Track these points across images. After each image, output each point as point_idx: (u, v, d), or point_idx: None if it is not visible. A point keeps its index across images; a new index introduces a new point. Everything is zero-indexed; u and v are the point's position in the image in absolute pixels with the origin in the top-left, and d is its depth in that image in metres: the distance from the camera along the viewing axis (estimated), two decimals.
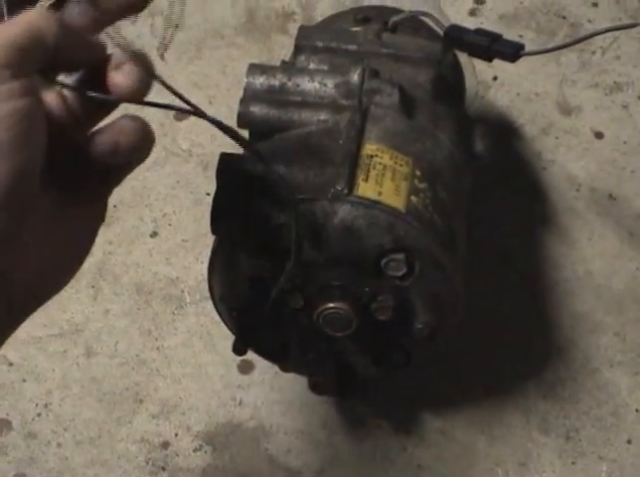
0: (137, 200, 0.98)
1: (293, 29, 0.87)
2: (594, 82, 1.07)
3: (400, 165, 0.70)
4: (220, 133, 1.00)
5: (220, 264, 0.71)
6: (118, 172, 0.58)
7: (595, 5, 1.12)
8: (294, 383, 0.84)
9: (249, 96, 0.74)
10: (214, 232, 0.70)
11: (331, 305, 0.68)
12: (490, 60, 0.77)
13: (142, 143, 0.56)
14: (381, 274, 0.68)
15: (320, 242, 0.67)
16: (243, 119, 0.74)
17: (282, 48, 1.04)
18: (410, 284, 0.69)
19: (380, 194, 0.67)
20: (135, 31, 1.09)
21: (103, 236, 0.92)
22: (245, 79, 0.75)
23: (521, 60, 0.76)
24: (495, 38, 0.76)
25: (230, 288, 0.73)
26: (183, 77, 1.06)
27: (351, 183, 0.67)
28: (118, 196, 0.97)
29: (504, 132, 1.02)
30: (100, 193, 0.58)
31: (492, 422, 0.85)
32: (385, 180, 0.68)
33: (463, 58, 0.89)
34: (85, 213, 0.57)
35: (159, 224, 0.96)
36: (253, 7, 1.11)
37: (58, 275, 0.57)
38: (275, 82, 0.75)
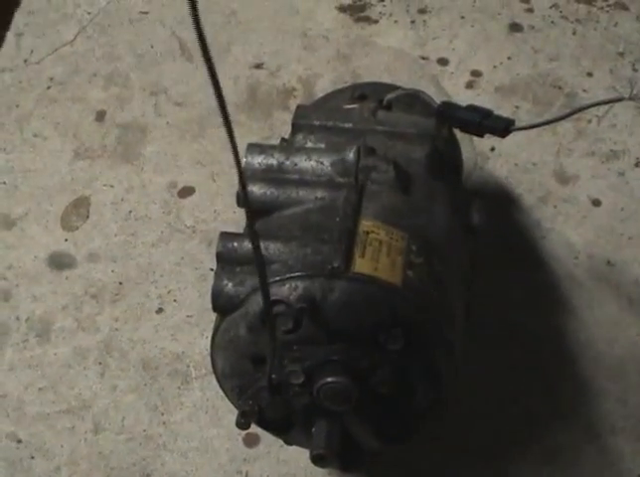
0: (143, 276, 0.99)
1: (294, 105, 0.89)
2: (591, 151, 1.09)
3: (396, 240, 0.71)
4: (222, 210, 1.02)
5: (221, 342, 0.73)
6: None
7: (590, 75, 1.14)
8: (299, 454, 0.85)
9: (248, 176, 0.76)
10: (215, 309, 0.71)
11: (330, 380, 0.69)
12: (481, 135, 0.78)
13: None
14: (379, 348, 0.69)
15: (318, 319, 0.68)
16: (242, 198, 0.75)
17: (283, 124, 1.06)
18: (409, 358, 0.70)
19: (376, 269, 0.68)
20: (139, 110, 1.12)
21: (110, 312, 0.94)
22: (244, 159, 0.77)
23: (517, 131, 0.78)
24: (486, 114, 0.78)
25: (231, 365, 0.74)
26: (186, 154, 1.08)
27: (348, 259, 0.68)
28: (124, 273, 0.99)
29: (503, 202, 1.04)
30: None
31: None
32: (381, 255, 0.69)
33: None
34: None
35: (164, 300, 0.98)
36: (255, 84, 1.13)
37: None
38: (273, 162, 0.76)
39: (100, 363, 0.93)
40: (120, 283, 0.99)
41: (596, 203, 1.04)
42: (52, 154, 1.10)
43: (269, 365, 0.69)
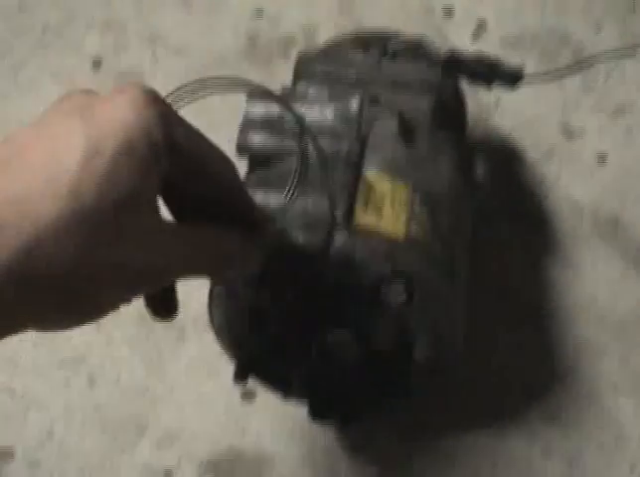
0: None
1: (295, 54, 0.87)
2: (598, 106, 1.06)
3: (400, 192, 0.70)
4: None
5: (219, 294, 0.71)
6: None
7: (599, 28, 1.12)
8: (297, 410, 0.84)
9: (248, 125, 0.74)
10: None
11: (330, 335, 0.68)
12: (489, 85, 0.77)
13: None
14: (381, 302, 0.68)
15: (319, 272, 0.67)
16: (242, 148, 0.74)
17: (284, 73, 1.04)
18: (410, 312, 0.69)
19: (378, 222, 0.67)
20: (137, 58, 1.10)
21: None
22: (245, 107, 0.75)
23: (523, 84, 0.76)
24: (494, 64, 0.76)
25: (229, 319, 0.72)
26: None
27: (349, 211, 0.67)
28: None
29: (506, 157, 1.02)
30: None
31: (495, 448, 0.84)
32: (384, 207, 0.68)
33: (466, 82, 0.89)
34: None
35: None
36: (255, 33, 1.11)
37: None
38: (274, 110, 0.75)
39: None
40: None
41: (603, 159, 1.02)
42: (47, 102, 1.08)
43: (269, 320, 0.68)
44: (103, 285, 0.47)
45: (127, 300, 0.51)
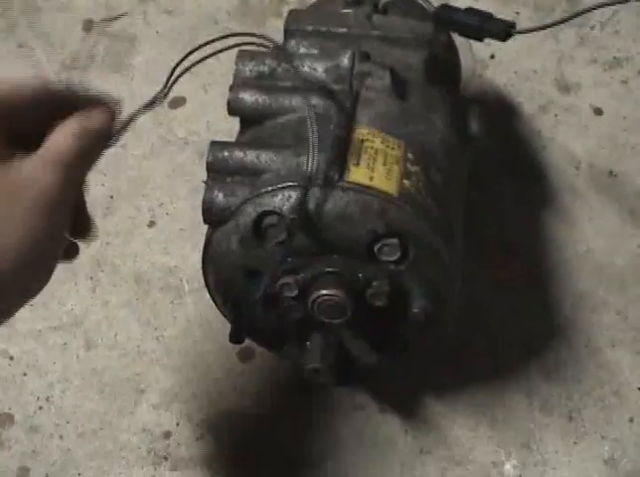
0: (134, 189, 0.97)
1: (287, 12, 0.86)
2: (593, 59, 1.06)
3: (392, 148, 0.69)
4: (214, 120, 1.00)
5: (213, 255, 0.71)
6: None
7: None
8: (294, 369, 0.84)
9: (239, 83, 0.74)
10: (206, 221, 0.70)
11: (325, 292, 0.68)
12: (481, 39, 0.76)
13: None
14: (375, 260, 0.68)
15: (312, 229, 0.66)
16: (233, 106, 0.73)
17: (277, 32, 1.03)
18: (405, 269, 0.68)
19: (371, 179, 0.66)
20: (128, 19, 1.09)
21: (101, 227, 0.92)
22: (235, 66, 0.75)
23: (518, 37, 0.75)
24: (486, 17, 0.75)
25: (224, 278, 0.72)
26: None
27: (342, 168, 0.66)
28: (115, 186, 0.97)
29: (502, 112, 1.01)
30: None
31: (494, 405, 0.84)
32: (376, 164, 0.67)
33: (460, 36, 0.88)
34: None
35: (156, 213, 0.96)
36: None
37: None
38: (265, 68, 0.74)
39: (92, 278, 0.92)
40: (111, 197, 0.97)
41: (598, 112, 1.01)
42: (39, 65, 1.07)
43: (264, 278, 0.68)
44: None
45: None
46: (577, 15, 0.75)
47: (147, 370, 0.87)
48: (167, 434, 0.84)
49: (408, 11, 0.82)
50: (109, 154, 0.98)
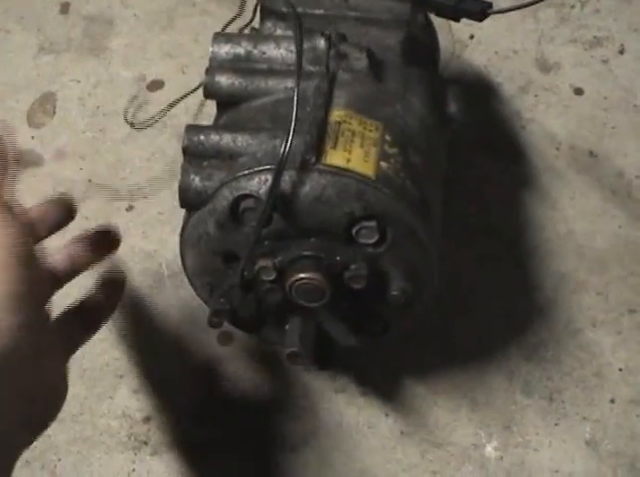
0: (112, 173, 0.97)
1: None
2: (573, 38, 1.05)
3: (370, 130, 0.68)
4: (193, 103, 1.00)
5: (190, 239, 0.71)
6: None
7: None
8: (275, 353, 0.84)
9: (215, 66, 0.73)
10: (183, 205, 0.69)
11: (303, 276, 0.67)
12: (458, 20, 0.75)
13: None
14: (353, 243, 0.67)
15: (290, 213, 0.66)
16: (210, 90, 0.73)
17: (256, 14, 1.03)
18: (384, 252, 0.68)
19: (348, 161, 0.66)
20: (105, 2, 1.08)
21: (79, 211, 0.92)
22: (211, 49, 0.74)
23: (498, 17, 0.75)
24: None
25: (202, 262, 0.72)
26: (155, 46, 1.04)
27: (319, 151, 0.66)
28: (93, 170, 0.97)
29: (482, 92, 1.01)
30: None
31: (475, 386, 0.84)
32: (353, 146, 0.67)
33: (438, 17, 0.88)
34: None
35: (135, 197, 0.95)
36: None
37: None
38: (241, 51, 0.74)
39: None
40: (89, 181, 0.96)
41: (579, 92, 1.01)
42: (16, 49, 1.07)
43: (241, 262, 0.68)
44: None
45: None
46: None
47: (127, 354, 0.87)
48: (147, 419, 0.84)
49: None
50: (88, 138, 0.98)
